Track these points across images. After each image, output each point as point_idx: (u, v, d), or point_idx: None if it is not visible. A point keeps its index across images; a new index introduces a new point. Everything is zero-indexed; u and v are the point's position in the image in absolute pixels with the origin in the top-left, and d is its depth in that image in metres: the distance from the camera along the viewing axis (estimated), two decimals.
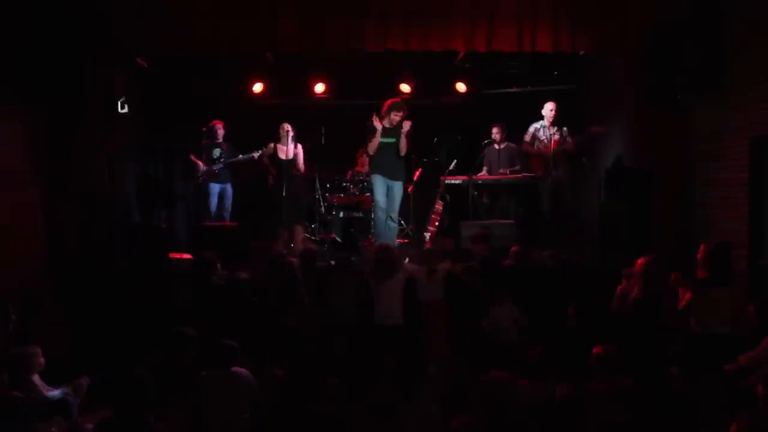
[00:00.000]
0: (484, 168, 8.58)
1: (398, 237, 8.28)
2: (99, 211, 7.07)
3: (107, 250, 7.09)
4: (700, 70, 6.52)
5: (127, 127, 7.48)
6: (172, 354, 4.66)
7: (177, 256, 7.42)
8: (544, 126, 8.00)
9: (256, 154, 8.29)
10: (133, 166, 8.28)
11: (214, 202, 8.55)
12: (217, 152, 8.54)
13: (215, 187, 8.55)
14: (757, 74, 6.04)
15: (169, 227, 8.46)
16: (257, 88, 9.30)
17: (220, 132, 8.62)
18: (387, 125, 7.44)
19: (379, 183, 7.54)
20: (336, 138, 9.15)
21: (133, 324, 5.81)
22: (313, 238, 8.76)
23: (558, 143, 7.84)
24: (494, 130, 8.55)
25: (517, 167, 8.48)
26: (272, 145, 8.03)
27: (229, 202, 8.69)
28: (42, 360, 4.58)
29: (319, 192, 8.90)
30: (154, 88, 8.61)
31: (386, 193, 7.54)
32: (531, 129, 8.09)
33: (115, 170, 7.32)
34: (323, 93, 9.43)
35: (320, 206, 8.88)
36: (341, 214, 8.67)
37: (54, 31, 6.57)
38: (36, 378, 4.56)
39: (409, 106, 7.55)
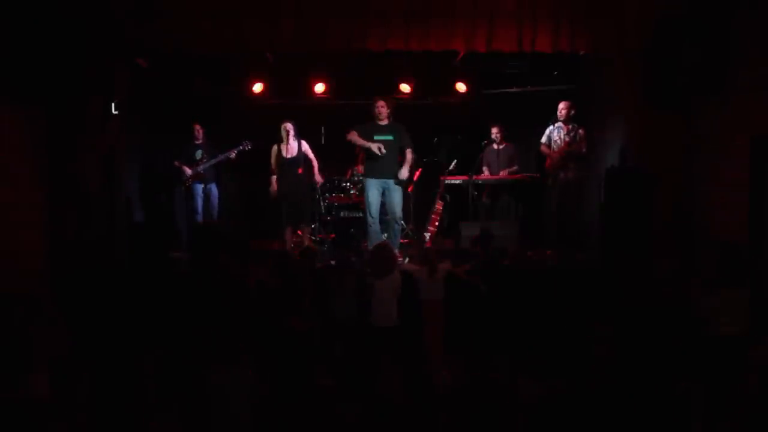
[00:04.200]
0: (484, 168, 8.58)
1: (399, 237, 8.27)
2: (99, 210, 7.07)
3: (107, 250, 7.09)
4: (700, 70, 6.50)
5: (126, 127, 7.49)
6: (181, 352, 4.66)
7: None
8: (559, 127, 7.99)
9: (233, 153, 8.39)
10: (132, 165, 8.29)
11: (199, 202, 8.66)
12: (198, 154, 8.70)
13: (198, 188, 8.64)
14: (758, 74, 6.03)
15: (168, 227, 8.48)
16: (257, 88, 9.32)
17: (199, 134, 8.79)
18: (379, 122, 7.42)
19: (371, 188, 7.41)
20: (336, 138, 9.13)
21: (134, 324, 5.80)
22: (313, 238, 8.76)
23: (569, 144, 7.82)
24: (494, 130, 8.55)
25: (515, 168, 8.48)
26: (275, 147, 8.01)
27: (215, 201, 8.81)
28: (43, 361, 4.57)
29: (319, 192, 8.90)
30: (153, 88, 8.62)
31: (380, 197, 7.42)
32: (547, 131, 8.07)
33: (115, 170, 7.33)
34: (323, 93, 9.44)
35: (320, 206, 8.88)
36: (341, 214, 8.67)
37: (54, 31, 6.56)
38: (36, 377, 4.55)
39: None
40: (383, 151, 7.25)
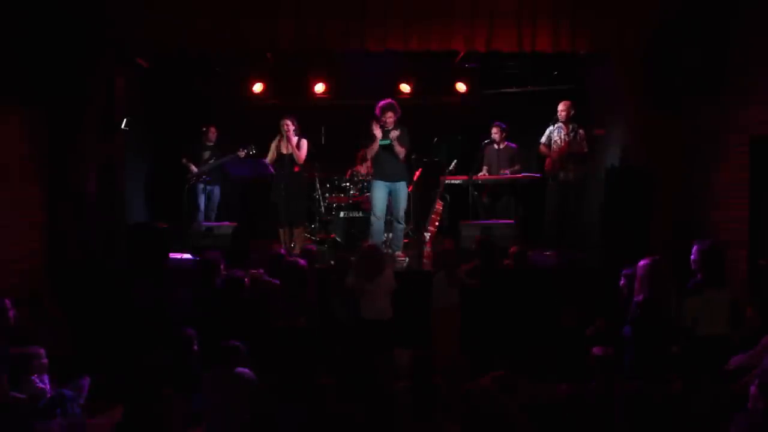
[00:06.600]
0: (484, 168, 8.58)
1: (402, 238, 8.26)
2: (99, 210, 7.08)
3: (107, 250, 7.10)
4: (700, 70, 6.52)
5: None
6: (175, 356, 4.67)
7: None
8: (559, 127, 7.98)
9: (241, 153, 8.32)
10: (132, 165, 8.30)
11: (202, 201, 8.73)
12: (206, 154, 8.76)
13: (202, 187, 8.72)
14: (758, 74, 6.04)
15: (168, 227, 8.47)
16: (257, 88, 9.33)
17: (213, 136, 8.84)
18: (383, 128, 7.44)
19: (378, 189, 7.47)
20: (336, 138, 9.16)
21: (134, 324, 5.81)
22: (313, 238, 8.76)
23: (569, 144, 7.82)
24: (494, 130, 8.55)
25: (517, 167, 8.47)
26: (274, 142, 8.00)
27: (215, 203, 8.88)
28: (45, 361, 4.58)
29: (319, 192, 8.90)
30: (154, 88, 8.62)
31: (387, 198, 7.49)
32: (547, 131, 8.06)
33: (116, 169, 7.34)
34: (323, 93, 9.45)
35: (320, 206, 8.88)
36: (341, 214, 8.67)
37: (55, 31, 6.57)
38: (36, 379, 4.56)
39: (403, 106, 7.54)
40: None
